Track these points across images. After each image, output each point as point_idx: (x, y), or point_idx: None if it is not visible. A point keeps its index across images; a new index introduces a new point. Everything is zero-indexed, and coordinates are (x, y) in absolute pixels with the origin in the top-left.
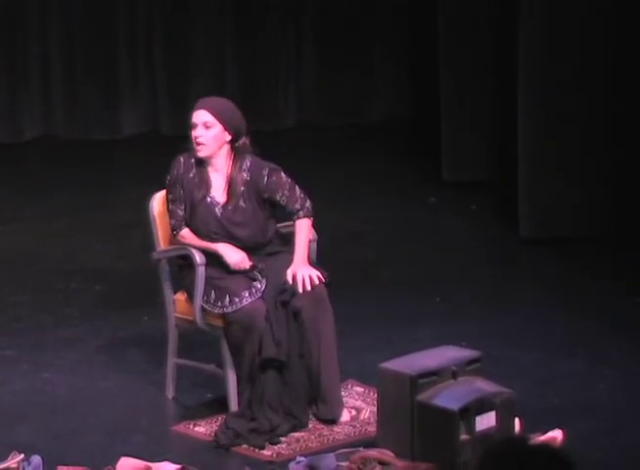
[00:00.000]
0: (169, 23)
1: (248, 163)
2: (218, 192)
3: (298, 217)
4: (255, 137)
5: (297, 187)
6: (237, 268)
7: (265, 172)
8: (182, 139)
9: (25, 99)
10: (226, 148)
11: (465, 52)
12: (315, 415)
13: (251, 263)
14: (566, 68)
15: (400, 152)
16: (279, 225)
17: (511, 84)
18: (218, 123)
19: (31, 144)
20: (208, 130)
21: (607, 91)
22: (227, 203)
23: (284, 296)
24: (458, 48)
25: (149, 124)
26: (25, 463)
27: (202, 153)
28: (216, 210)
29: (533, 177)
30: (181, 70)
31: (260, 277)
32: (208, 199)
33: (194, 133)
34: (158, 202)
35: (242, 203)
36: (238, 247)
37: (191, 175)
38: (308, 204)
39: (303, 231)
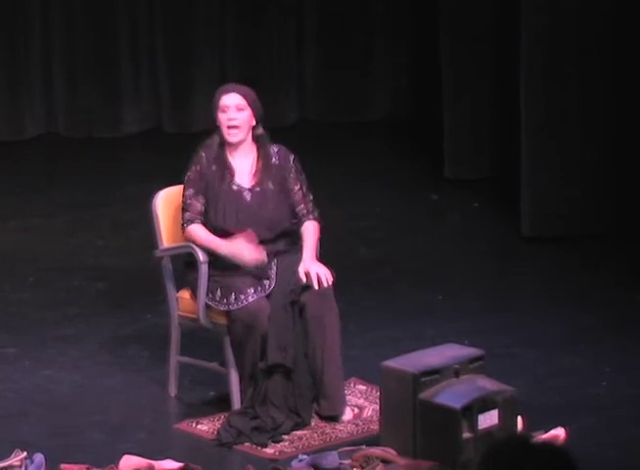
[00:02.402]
0: (171, 21)
1: (275, 148)
2: (244, 178)
3: (307, 219)
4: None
5: (309, 191)
6: (255, 263)
7: (291, 159)
8: (185, 137)
9: (27, 97)
10: (250, 134)
11: (466, 49)
12: (317, 412)
13: (265, 252)
14: (568, 66)
15: (402, 149)
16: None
17: (513, 82)
18: (248, 107)
19: (33, 142)
20: (241, 113)
21: (608, 89)
22: (255, 186)
23: (293, 295)
24: (459, 45)
25: (151, 122)
26: (28, 461)
27: (234, 137)
28: (244, 194)
29: (535, 175)
30: (183, 67)
31: (270, 275)
32: (234, 186)
33: (227, 116)
34: (161, 199)
35: (271, 186)
36: (263, 235)
37: (213, 168)
38: (317, 212)
39: (312, 232)
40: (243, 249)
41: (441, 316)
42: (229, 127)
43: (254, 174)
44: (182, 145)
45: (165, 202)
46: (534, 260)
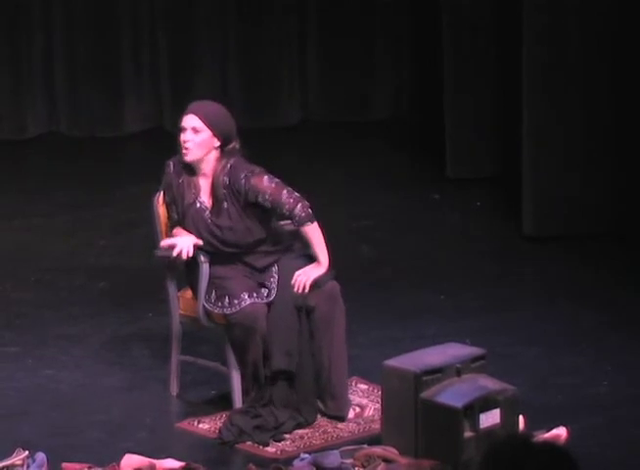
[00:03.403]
0: (173, 20)
1: (229, 166)
2: (206, 196)
3: (298, 226)
4: (258, 135)
5: (284, 191)
6: (179, 251)
7: (242, 176)
8: None
9: (29, 96)
10: (215, 153)
11: (468, 49)
12: (323, 412)
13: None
14: (569, 65)
15: (403, 149)
16: (282, 223)
17: (515, 81)
18: (207, 129)
19: (35, 141)
20: (196, 135)
21: (609, 89)
22: (213, 207)
23: (298, 300)
24: (461, 44)
25: (153, 121)
26: (30, 460)
27: (188, 157)
28: (205, 214)
29: (537, 174)
30: (185, 66)
31: (270, 285)
32: (198, 204)
33: (182, 137)
34: (162, 199)
35: (225, 206)
36: (230, 251)
37: (180, 180)
38: (299, 208)
39: (311, 240)
40: (184, 237)
41: (443, 316)
42: (183, 148)
43: (210, 196)
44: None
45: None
46: (536, 260)
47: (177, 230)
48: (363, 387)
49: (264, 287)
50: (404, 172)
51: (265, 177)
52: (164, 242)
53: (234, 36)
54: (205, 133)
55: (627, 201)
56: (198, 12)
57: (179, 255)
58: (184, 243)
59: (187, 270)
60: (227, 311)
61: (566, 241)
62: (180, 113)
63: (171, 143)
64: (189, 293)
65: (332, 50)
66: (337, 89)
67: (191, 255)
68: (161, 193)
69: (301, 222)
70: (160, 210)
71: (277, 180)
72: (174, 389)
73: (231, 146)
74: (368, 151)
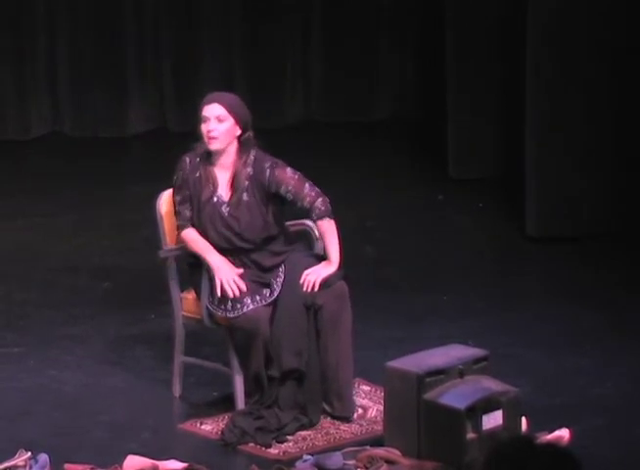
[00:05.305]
0: (177, 20)
1: (252, 157)
2: (224, 189)
3: (317, 219)
4: (261, 134)
5: (306, 184)
6: (223, 288)
7: (267, 166)
8: (190, 136)
9: (33, 96)
10: (235, 144)
11: (472, 49)
12: (328, 413)
13: (242, 288)
14: (573, 66)
15: (406, 149)
16: (288, 223)
17: (518, 82)
18: (230, 117)
19: (39, 141)
20: (221, 124)
21: (612, 90)
22: (231, 198)
23: (306, 299)
24: (465, 44)
25: (157, 122)
26: (33, 461)
27: (214, 146)
28: (222, 208)
29: (540, 175)
30: (188, 66)
31: (274, 284)
32: (215, 198)
33: (206, 127)
34: (165, 200)
35: (245, 197)
36: (244, 246)
37: (197, 175)
38: (320, 202)
39: (326, 235)
40: (225, 270)
41: (446, 317)
42: (209, 138)
43: (230, 187)
44: (187, 145)
45: (170, 202)
46: (539, 261)
47: (218, 260)
48: (366, 388)
49: (268, 287)
50: (406, 172)
51: (288, 169)
52: (220, 291)
53: (238, 36)
54: (229, 122)
55: (627, 201)
56: (201, 12)
57: (224, 291)
58: (225, 276)
59: (190, 271)
60: (230, 315)
61: (566, 241)
62: (184, 113)
63: (174, 143)
64: (192, 294)
65: (335, 50)
66: (339, 89)
67: (244, 289)
68: (173, 189)
69: (320, 216)
70: (164, 210)
71: (299, 173)
72: (177, 390)
73: (247, 135)
74: (370, 151)
